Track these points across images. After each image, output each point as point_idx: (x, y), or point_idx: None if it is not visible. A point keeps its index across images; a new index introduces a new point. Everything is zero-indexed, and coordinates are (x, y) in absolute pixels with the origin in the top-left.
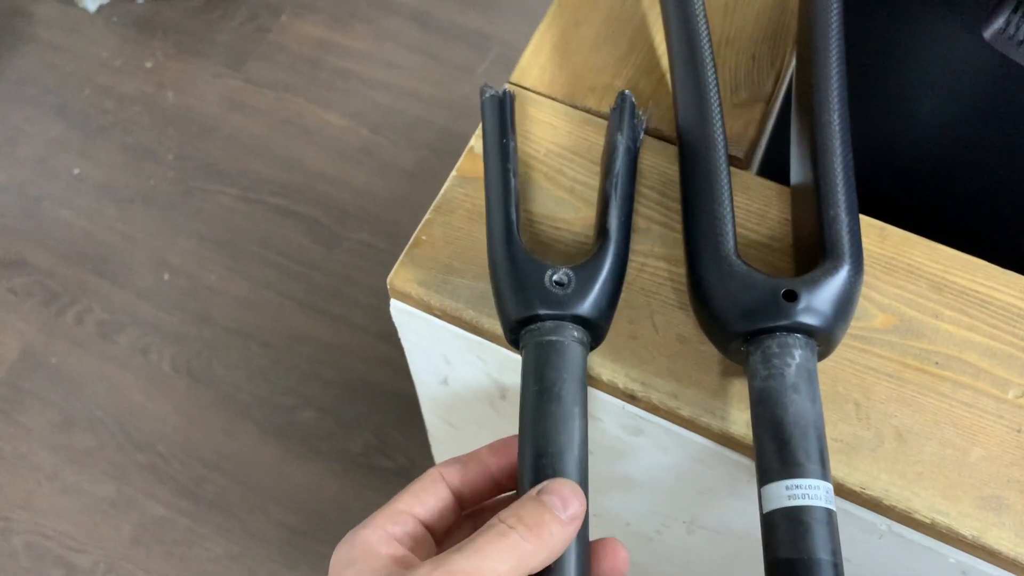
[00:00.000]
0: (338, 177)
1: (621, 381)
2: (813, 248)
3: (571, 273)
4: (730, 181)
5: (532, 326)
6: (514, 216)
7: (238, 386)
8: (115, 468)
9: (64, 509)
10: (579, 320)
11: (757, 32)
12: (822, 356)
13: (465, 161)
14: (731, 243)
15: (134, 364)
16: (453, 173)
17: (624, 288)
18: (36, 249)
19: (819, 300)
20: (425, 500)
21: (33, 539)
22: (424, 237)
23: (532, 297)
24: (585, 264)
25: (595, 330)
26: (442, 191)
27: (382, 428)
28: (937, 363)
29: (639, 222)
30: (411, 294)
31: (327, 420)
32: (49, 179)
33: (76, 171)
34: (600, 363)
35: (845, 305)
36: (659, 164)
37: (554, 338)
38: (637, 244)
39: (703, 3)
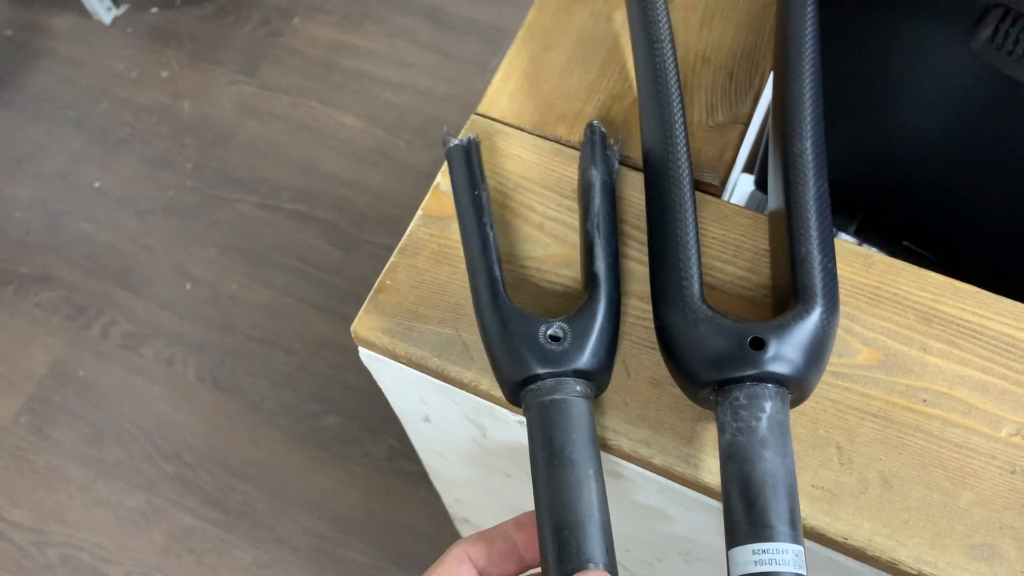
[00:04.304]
0: (354, 180)
1: None
2: (787, 285)
3: (565, 326)
4: (696, 218)
5: (532, 386)
6: (498, 273)
7: (262, 394)
8: (144, 479)
9: (96, 521)
10: (580, 374)
11: (735, 47)
12: (796, 403)
13: (431, 200)
14: (696, 287)
15: (159, 375)
16: (419, 212)
17: None
18: (60, 264)
19: (789, 347)
20: None
21: (68, 551)
22: (388, 282)
23: (528, 356)
24: (578, 314)
25: (598, 379)
26: (408, 231)
27: (405, 432)
28: (925, 400)
29: None
30: (375, 343)
31: (351, 425)
32: (71, 194)
33: (97, 184)
34: None
35: (818, 350)
36: (630, 195)
37: (557, 397)
38: None
39: (668, 23)
